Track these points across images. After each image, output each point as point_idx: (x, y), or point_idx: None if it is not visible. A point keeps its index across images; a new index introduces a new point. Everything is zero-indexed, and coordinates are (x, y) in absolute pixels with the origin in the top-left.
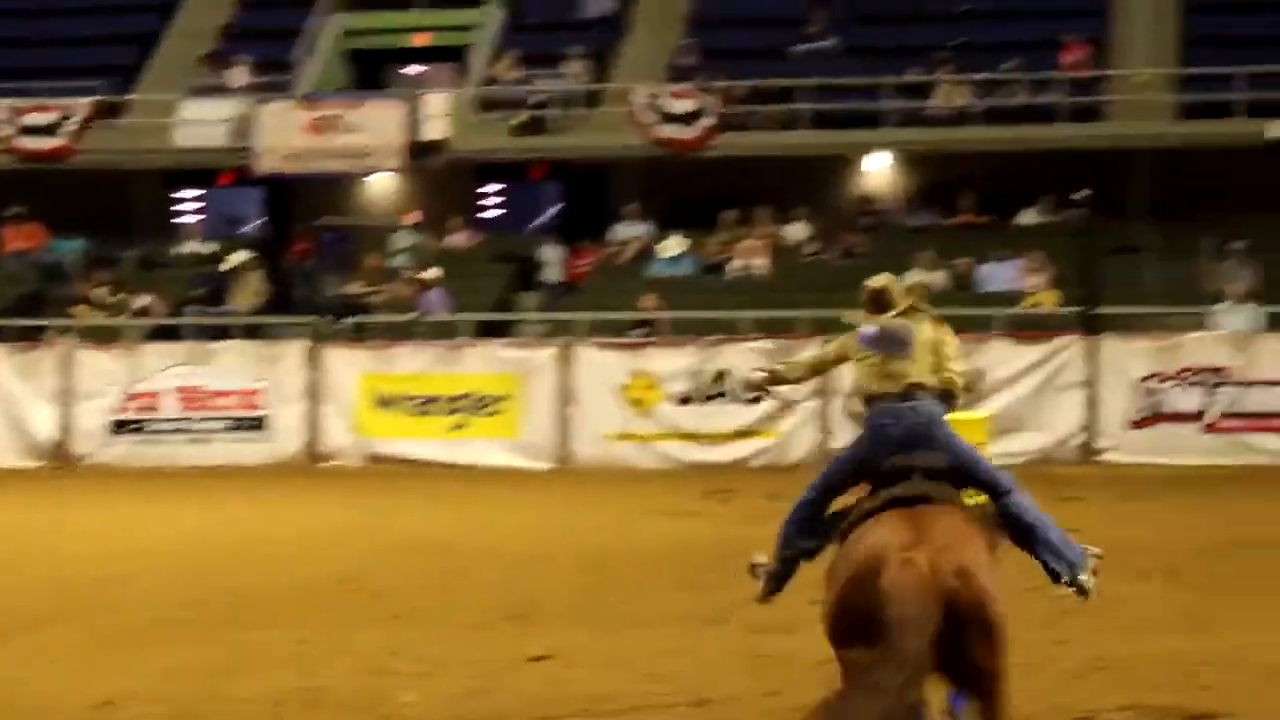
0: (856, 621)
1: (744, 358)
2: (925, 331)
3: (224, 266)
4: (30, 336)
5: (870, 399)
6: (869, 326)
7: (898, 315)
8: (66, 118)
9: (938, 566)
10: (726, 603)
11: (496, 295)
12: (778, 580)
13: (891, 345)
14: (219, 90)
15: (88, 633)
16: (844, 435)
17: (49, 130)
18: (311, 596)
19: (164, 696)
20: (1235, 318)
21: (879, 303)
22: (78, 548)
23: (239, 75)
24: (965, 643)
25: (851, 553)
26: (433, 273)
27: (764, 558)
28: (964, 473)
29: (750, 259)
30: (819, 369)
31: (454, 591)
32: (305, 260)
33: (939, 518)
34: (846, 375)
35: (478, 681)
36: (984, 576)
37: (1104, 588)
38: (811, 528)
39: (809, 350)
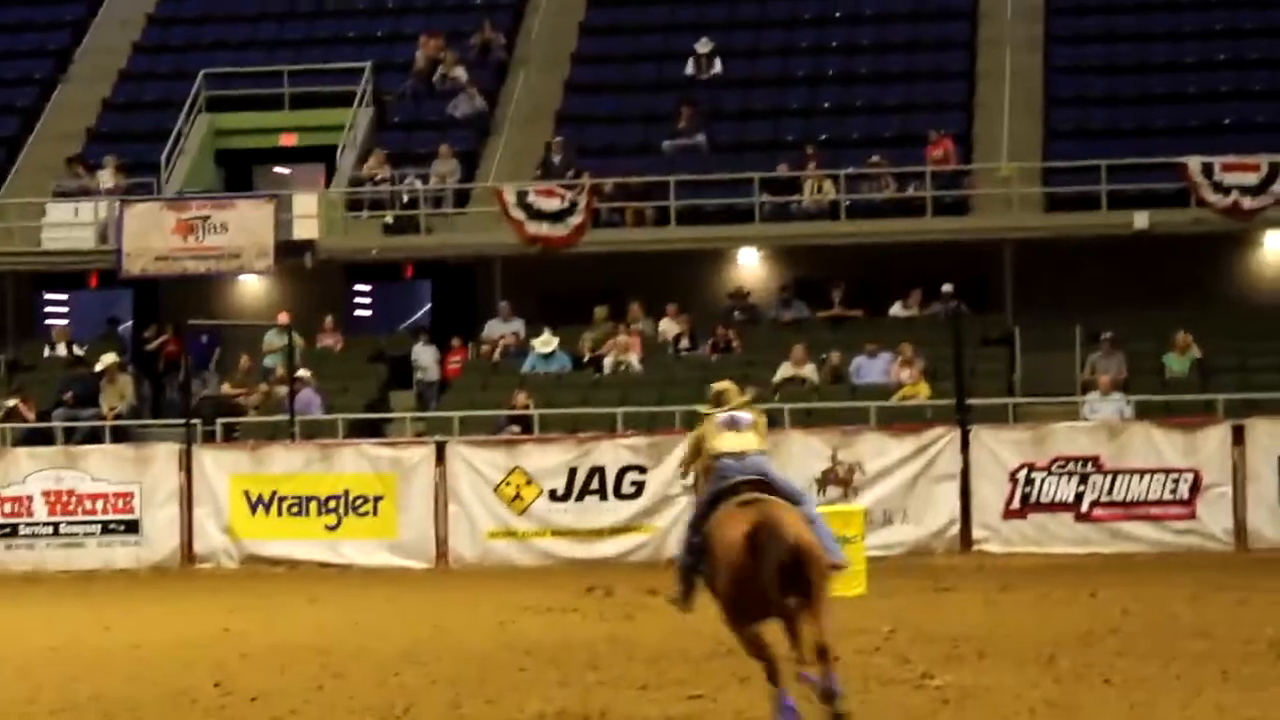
0: (746, 561)
1: (617, 453)
2: (753, 417)
3: (94, 368)
4: None
5: (720, 456)
6: (722, 413)
7: (735, 407)
8: None
9: (788, 524)
10: (606, 699)
11: (370, 394)
12: (686, 597)
13: (736, 424)
14: (86, 192)
15: None
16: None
17: None
18: (187, 702)
19: None
20: (1105, 407)
21: (721, 400)
22: None
23: (106, 177)
24: (804, 567)
25: (728, 528)
26: (304, 373)
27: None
28: (778, 489)
29: (623, 354)
30: (697, 450)
31: (331, 694)
32: (175, 361)
33: (775, 503)
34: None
35: None
36: (808, 532)
37: (981, 677)
38: (694, 549)
39: (679, 446)
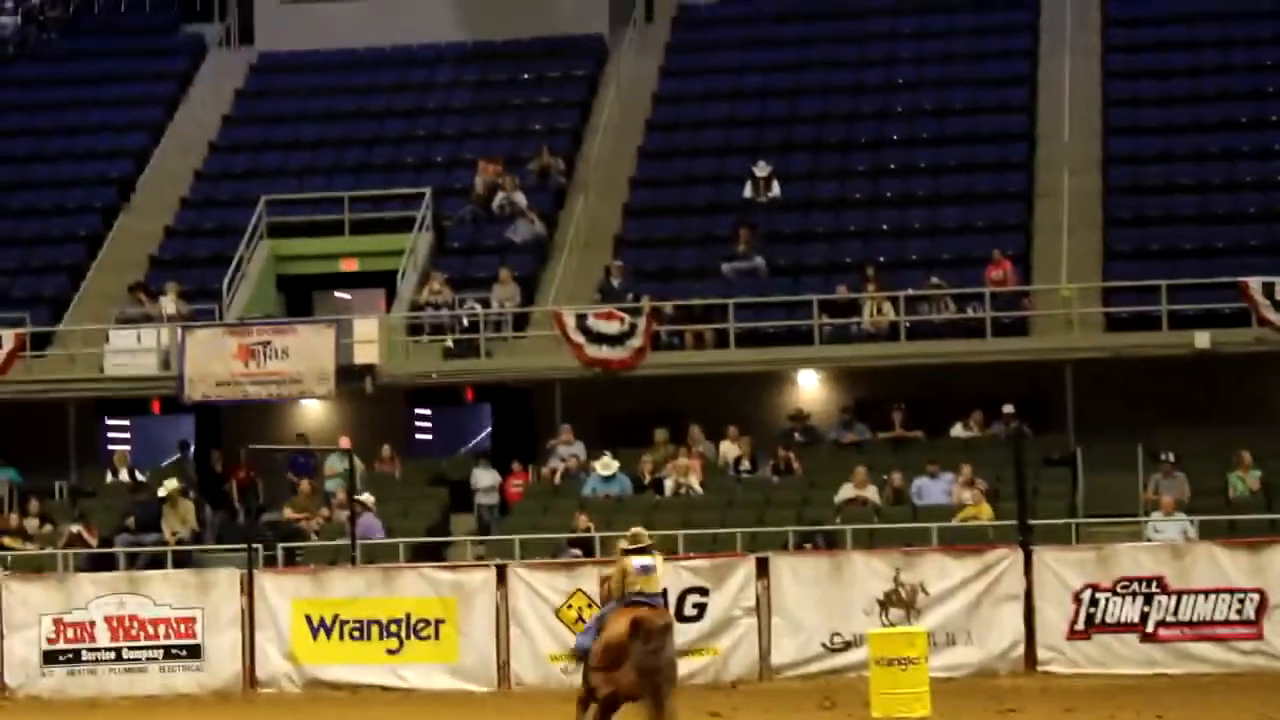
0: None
1: (679, 576)
2: (657, 562)
3: (157, 494)
4: None
5: (636, 594)
6: (640, 559)
7: (646, 549)
8: None
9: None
10: None
11: (430, 518)
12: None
13: (648, 570)
14: (148, 319)
15: None
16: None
17: None
18: None
19: None
20: (1168, 527)
21: (638, 541)
22: None
23: (168, 303)
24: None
25: (617, 621)
26: (367, 497)
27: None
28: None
29: (683, 476)
30: (621, 585)
31: None
32: (243, 486)
33: (654, 607)
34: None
35: None
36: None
37: None
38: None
39: (740, 569)
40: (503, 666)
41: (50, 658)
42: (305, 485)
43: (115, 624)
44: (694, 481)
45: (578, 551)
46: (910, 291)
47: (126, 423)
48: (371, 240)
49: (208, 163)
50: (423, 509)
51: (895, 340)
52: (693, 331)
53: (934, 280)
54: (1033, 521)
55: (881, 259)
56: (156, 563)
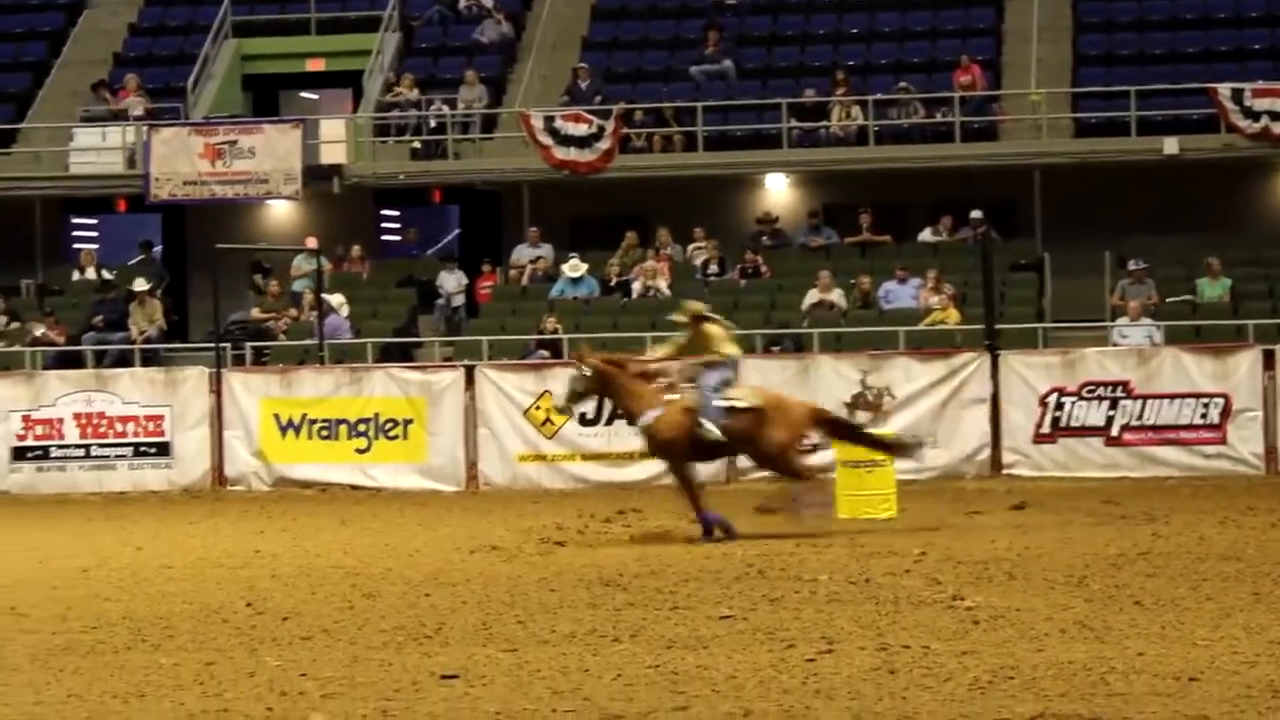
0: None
1: None
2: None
3: (123, 292)
4: None
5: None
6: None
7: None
8: None
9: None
10: (636, 620)
11: (398, 319)
12: None
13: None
14: (113, 117)
15: None
16: None
17: None
18: (218, 620)
19: None
20: (1134, 332)
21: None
22: None
23: (133, 102)
24: None
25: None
26: (338, 299)
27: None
28: None
29: (651, 279)
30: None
31: (361, 613)
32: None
33: None
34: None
35: (387, 701)
36: None
37: (1011, 598)
38: None
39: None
40: (470, 466)
41: (19, 454)
42: (273, 286)
43: (84, 421)
44: (662, 284)
45: (545, 353)
46: (879, 96)
47: (93, 221)
48: (338, 40)
49: None
50: (391, 310)
51: (864, 145)
52: (661, 135)
53: (902, 85)
54: (1000, 326)
55: (851, 62)
56: (124, 362)
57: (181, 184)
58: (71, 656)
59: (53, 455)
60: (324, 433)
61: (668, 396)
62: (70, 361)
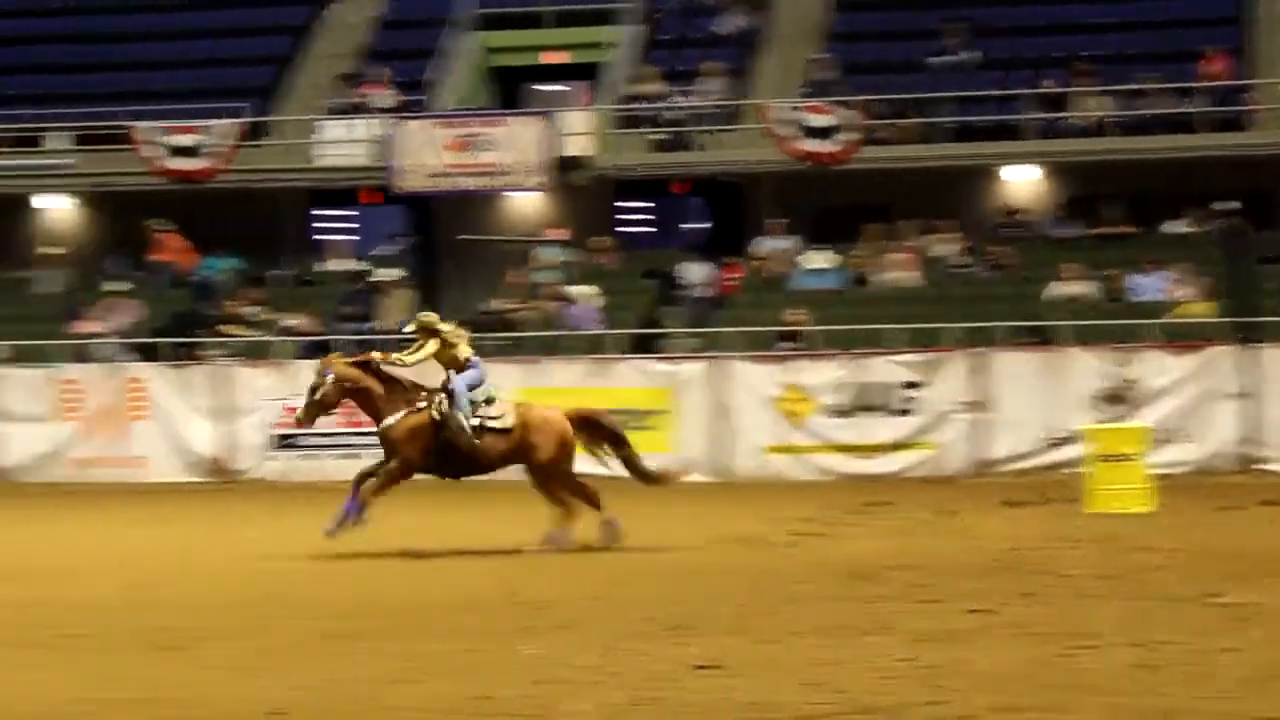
0: None
1: (892, 370)
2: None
3: (372, 284)
4: (184, 355)
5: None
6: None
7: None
8: (212, 139)
9: None
10: (886, 613)
11: (641, 310)
12: None
13: None
14: (358, 109)
15: (256, 644)
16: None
17: (195, 151)
18: (474, 607)
19: (331, 706)
20: None
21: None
22: (243, 559)
23: (378, 94)
24: None
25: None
26: (583, 289)
27: None
28: None
29: (897, 271)
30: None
31: (615, 602)
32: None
33: None
34: None
35: (644, 691)
36: None
37: (1268, 595)
38: None
39: (955, 365)
40: (717, 458)
41: (277, 442)
42: (518, 276)
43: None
44: (906, 276)
45: (791, 345)
46: (1125, 86)
47: (341, 213)
48: (578, 32)
49: None
50: (633, 301)
51: (1108, 135)
52: (903, 126)
53: (1148, 76)
54: (1254, 319)
55: (1095, 52)
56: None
57: (427, 176)
58: (332, 642)
59: (306, 444)
60: None
61: (419, 404)
62: (320, 351)
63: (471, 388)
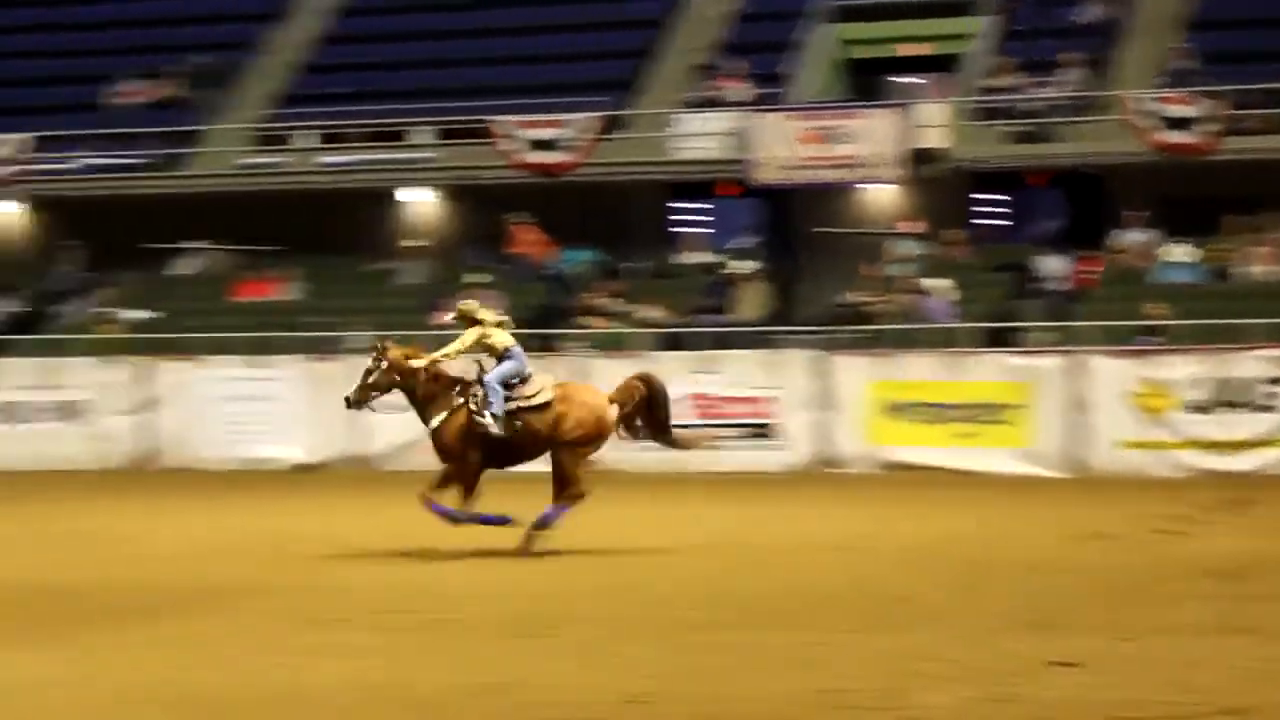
0: None
1: (1255, 366)
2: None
3: (727, 276)
4: (544, 346)
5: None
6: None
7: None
8: (571, 133)
9: None
10: (1251, 612)
11: (993, 304)
12: None
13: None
14: (715, 103)
15: (610, 633)
16: None
17: (554, 145)
18: (827, 600)
19: (686, 695)
20: None
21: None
22: (597, 548)
23: (735, 87)
24: None
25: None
26: (938, 283)
27: None
28: None
29: (1260, 264)
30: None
31: (972, 597)
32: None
33: None
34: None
35: (1001, 686)
36: None
37: None
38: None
39: None
40: (1072, 452)
41: None
42: (873, 269)
43: (694, 402)
44: (1270, 269)
45: (1151, 339)
46: None
47: (697, 205)
48: (935, 24)
49: None
50: (988, 294)
51: None
52: (1267, 116)
53: None
54: None
55: None
56: (729, 344)
57: (782, 168)
58: (685, 631)
59: None
60: (927, 416)
61: (457, 401)
62: (677, 343)
63: (507, 383)
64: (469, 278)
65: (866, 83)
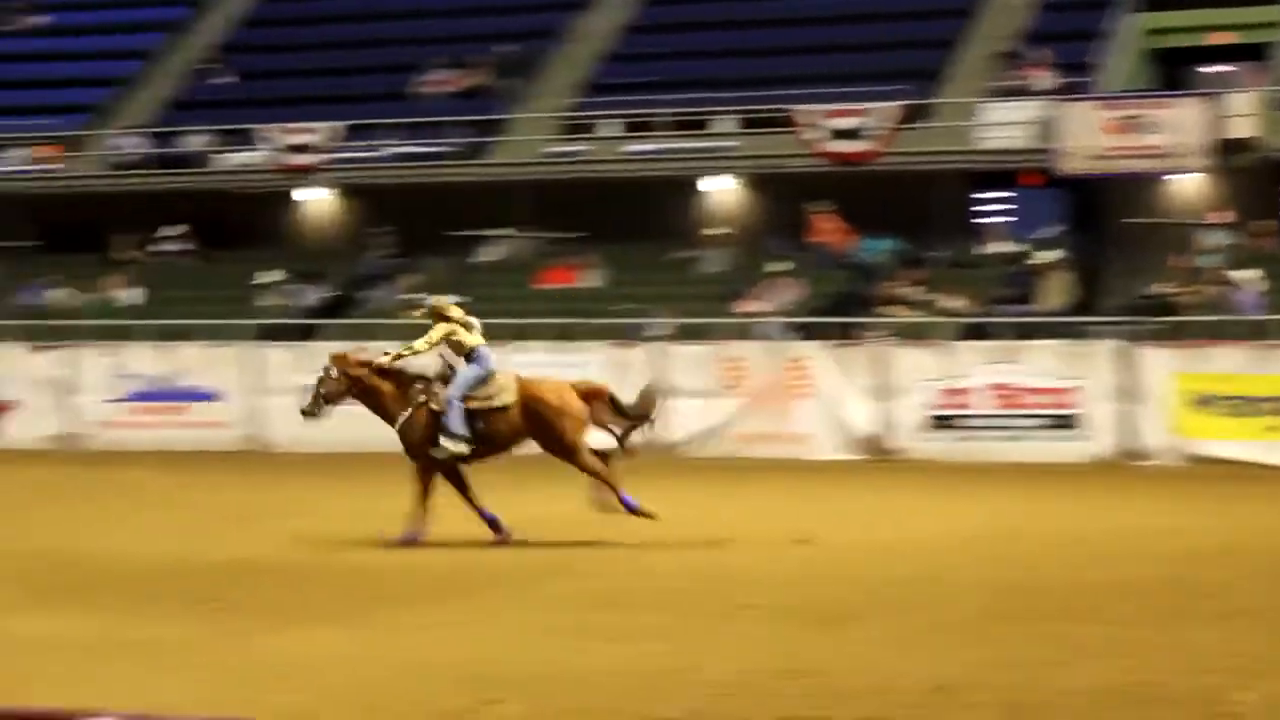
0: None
1: None
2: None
3: (1032, 266)
4: (844, 334)
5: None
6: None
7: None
8: (873, 122)
9: None
10: None
11: None
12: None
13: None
14: (1019, 92)
15: (912, 621)
16: None
17: (856, 134)
18: (1135, 593)
19: (992, 684)
20: None
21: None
22: (899, 538)
23: (1040, 76)
24: None
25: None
26: (1247, 274)
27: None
28: None
29: None
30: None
31: None
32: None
33: None
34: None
35: None
36: None
37: None
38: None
39: None
40: None
41: (935, 422)
42: (1180, 260)
43: (996, 391)
44: None
45: None
46: None
47: (1000, 195)
48: (1244, 12)
49: None
50: None
51: None
52: None
53: None
54: None
55: None
56: (1032, 334)
57: (1088, 158)
58: (990, 621)
59: (965, 425)
60: (1235, 409)
61: (419, 399)
62: (978, 334)
63: (470, 385)
64: (770, 266)
65: (1173, 72)
